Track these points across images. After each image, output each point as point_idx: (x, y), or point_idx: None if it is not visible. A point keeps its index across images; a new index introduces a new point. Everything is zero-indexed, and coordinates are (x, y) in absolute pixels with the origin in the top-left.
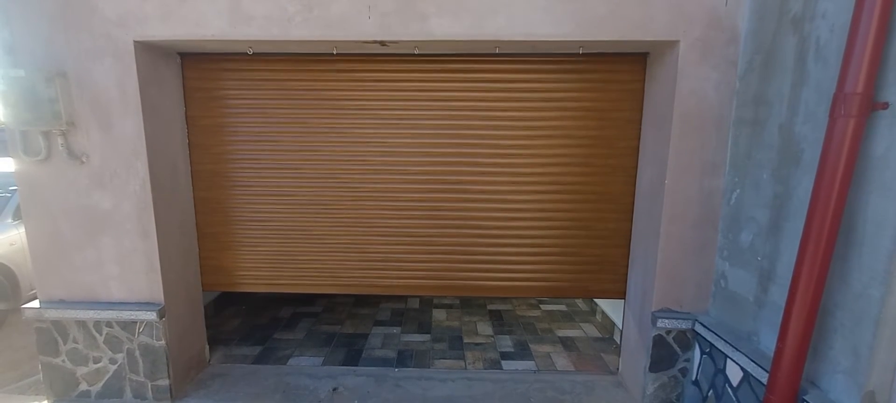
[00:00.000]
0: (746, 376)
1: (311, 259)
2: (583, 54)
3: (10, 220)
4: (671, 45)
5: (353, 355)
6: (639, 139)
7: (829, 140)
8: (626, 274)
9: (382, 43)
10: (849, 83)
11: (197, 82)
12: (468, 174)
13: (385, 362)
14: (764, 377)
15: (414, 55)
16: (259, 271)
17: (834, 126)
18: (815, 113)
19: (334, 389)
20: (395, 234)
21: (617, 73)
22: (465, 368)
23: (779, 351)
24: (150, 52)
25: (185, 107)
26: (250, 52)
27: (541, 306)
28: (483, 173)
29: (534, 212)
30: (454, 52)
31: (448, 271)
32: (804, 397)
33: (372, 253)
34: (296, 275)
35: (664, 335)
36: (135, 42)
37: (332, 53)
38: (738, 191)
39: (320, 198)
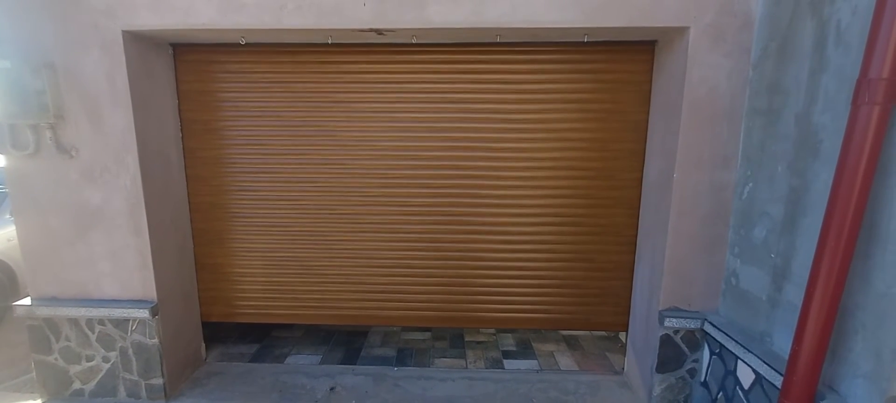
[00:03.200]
0: (759, 378)
1: (310, 289)
2: (588, 43)
3: (8, 216)
4: (681, 31)
5: (351, 353)
6: (642, 170)
7: (852, 129)
8: (629, 307)
9: (378, 31)
10: (873, 68)
11: (191, 105)
12: (468, 204)
13: (384, 361)
14: (777, 380)
15: (412, 45)
16: (258, 301)
17: (857, 114)
18: (836, 101)
19: (332, 388)
20: (394, 265)
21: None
22: (466, 367)
23: (794, 353)
24: (140, 43)
25: (183, 136)
26: (243, 41)
27: None
28: (483, 204)
29: (535, 244)
30: (454, 41)
31: (448, 302)
32: (821, 402)
33: (371, 283)
34: (294, 306)
35: (672, 334)
36: (123, 32)
37: (328, 42)
38: (750, 184)
39: (319, 229)
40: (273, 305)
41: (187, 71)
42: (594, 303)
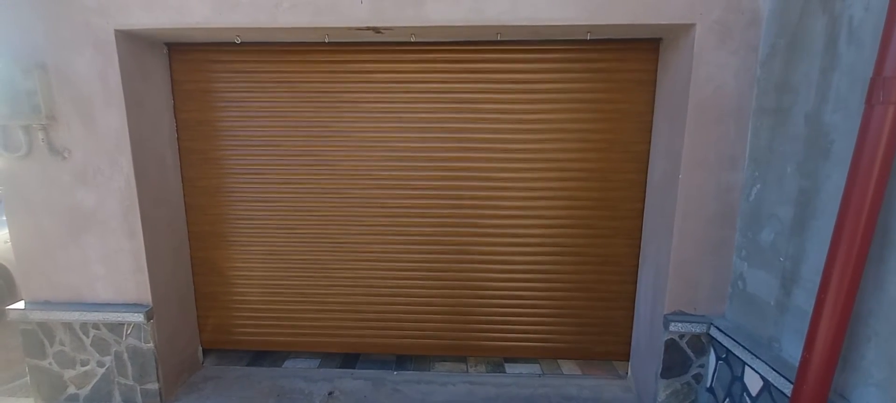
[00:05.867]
0: (767, 385)
1: (309, 317)
2: (591, 41)
3: (4, 218)
4: (686, 28)
5: (350, 357)
6: (643, 201)
7: (865, 129)
8: (630, 337)
9: (376, 29)
10: (889, 66)
11: (189, 134)
12: (468, 233)
13: (384, 364)
14: (786, 387)
15: (410, 45)
16: (257, 329)
17: (871, 114)
18: (848, 100)
19: (330, 393)
20: (393, 293)
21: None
22: (467, 371)
23: (805, 361)
24: (133, 42)
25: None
26: (238, 40)
27: None
28: (483, 233)
29: (535, 274)
30: (453, 39)
31: (447, 331)
32: None
33: (369, 312)
34: (294, 333)
35: (677, 339)
36: (116, 31)
37: (324, 41)
38: (758, 185)
39: (318, 257)
40: (272, 332)
41: (183, 98)
42: (594, 333)
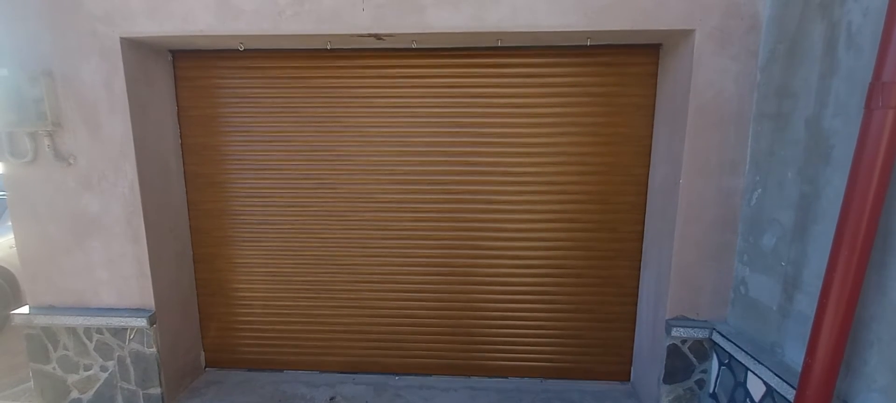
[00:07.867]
0: (770, 391)
1: (312, 337)
2: (591, 47)
3: (10, 223)
4: (686, 34)
5: None
6: (643, 223)
7: (865, 134)
8: (632, 357)
9: (378, 36)
10: (887, 71)
11: (195, 159)
12: (470, 255)
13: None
14: (789, 392)
15: (412, 50)
16: (260, 348)
17: (870, 119)
18: (847, 105)
19: (332, 399)
20: (396, 314)
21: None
22: (469, 376)
23: (807, 366)
24: (138, 50)
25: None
26: (241, 47)
27: None
28: (485, 255)
29: (536, 295)
30: (454, 46)
31: (450, 351)
32: None
33: (373, 332)
34: (296, 352)
35: (679, 344)
36: (121, 39)
37: (326, 47)
38: (759, 190)
39: (321, 279)
40: (274, 351)
41: (188, 124)
42: (596, 353)
